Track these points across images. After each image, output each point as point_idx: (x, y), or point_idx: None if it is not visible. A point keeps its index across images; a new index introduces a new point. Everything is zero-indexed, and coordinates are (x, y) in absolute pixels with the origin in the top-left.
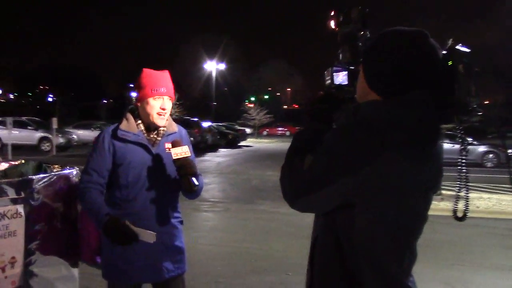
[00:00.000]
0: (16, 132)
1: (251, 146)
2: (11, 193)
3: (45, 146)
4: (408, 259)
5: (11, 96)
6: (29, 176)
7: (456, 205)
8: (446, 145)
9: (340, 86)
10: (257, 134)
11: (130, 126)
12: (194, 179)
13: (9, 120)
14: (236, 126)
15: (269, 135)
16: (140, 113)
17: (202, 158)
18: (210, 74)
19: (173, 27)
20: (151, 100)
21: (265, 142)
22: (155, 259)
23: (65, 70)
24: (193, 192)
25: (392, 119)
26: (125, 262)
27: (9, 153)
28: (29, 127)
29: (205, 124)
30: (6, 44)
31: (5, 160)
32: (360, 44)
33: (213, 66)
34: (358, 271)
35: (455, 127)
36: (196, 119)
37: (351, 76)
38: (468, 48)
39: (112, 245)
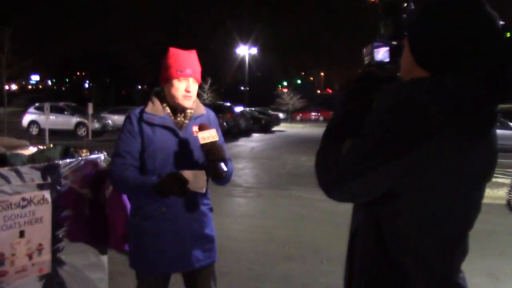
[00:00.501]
0: (53, 117)
1: (284, 131)
2: (37, 178)
3: (81, 131)
4: (459, 254)
5: (49, 83)
6: (56, 161)
7: (511, 195)
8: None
9: (381, 63)
10: (290, 119)
11: (156, 108)
12: (222, 164)
13: (46, 105)
14: (269, 111)
15: (302, 120)
16: (166, 95)
17: (235, 143)
18: (243, 59)
19: (206, 12)
20: (175, 82)
21: (298, 127)
22: (184, 248)
23: (101, 57)
24: (222, 179)
25: (445, 98)
26: (153, 251)
27: (47, 138)
28: (66, 113)
29: (238, 109)
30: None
31: (33, 144)
32: (405, 16)
33: (245, 51)
34: (403, 266)
35: None
36: (229, 104)
37: (394, 53)
38: None
39: (140, 234)
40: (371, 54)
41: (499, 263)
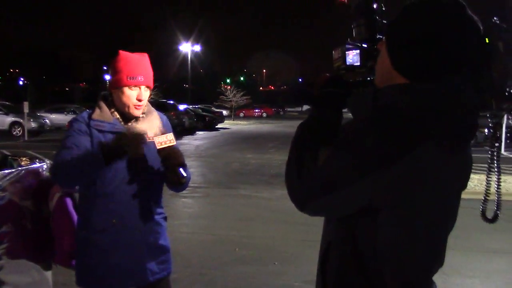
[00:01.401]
0: None
1: (228, 128)
2: None
3: (17, 131)
4: (436, 266)
5: None
6: None
7: (485, 205)
8: None
9: (351, 67)
10: (234, 116)
11: (104, 114)
12: (182, 170)
13: None
14: (213, 108)
15: (246, 117)
16: (115, 101)
17: (180, 141)
18: (185, 56)
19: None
20: (126, 90)
21: (242, 124)
22: (137, 261)
23: (37, 53)
24: (181, 185)
25: (428, 106)
26: (103, 267)
27: None
28: (0, 112)
29: (182, 107)
30: None
31: None
32: (377, 17)
33: (188, 48)
34: (382, 281)
35: (493, 114)
36: (172, 102)
37: (364, 56)
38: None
39: (89, 249)
40: (342, 56)
41: (447, 258)
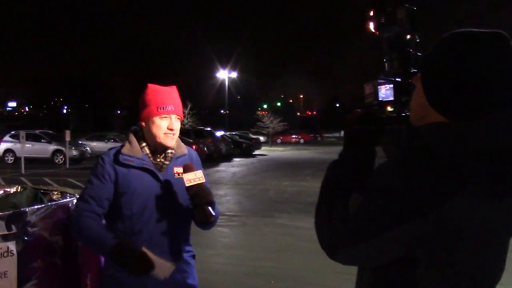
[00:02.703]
0: (29, 145)
1: (265, 155)
2: (1, 228)
3: (59, 159)
4: None
5: (27, 109)
6: (22, 208)
7: None
8: None
9: (384, 102)
10: (271, 142)
11: (134, 149)
12: (210, 208)
13: (22, 133)
14: (250, 135)
15: (283, 143)
16: (145, 134)
17: (216, 168)
18: (222, 83)
19: (186, 36)
20: (157, 120)
21: (279, 150)
22: None
23: (79, 81)
24: (209, 224)
25: (471, 149)
26: None
27: (22, 166)
28: (43, 140)
29: (219, 134)
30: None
31: (0, 187)
32: (411, 50)
33: (225, 75)
34: None
35: None
36: (209, 129)
37: (398, 90)
38: None
39: (115, 286)
40: (374, 91)
41: None
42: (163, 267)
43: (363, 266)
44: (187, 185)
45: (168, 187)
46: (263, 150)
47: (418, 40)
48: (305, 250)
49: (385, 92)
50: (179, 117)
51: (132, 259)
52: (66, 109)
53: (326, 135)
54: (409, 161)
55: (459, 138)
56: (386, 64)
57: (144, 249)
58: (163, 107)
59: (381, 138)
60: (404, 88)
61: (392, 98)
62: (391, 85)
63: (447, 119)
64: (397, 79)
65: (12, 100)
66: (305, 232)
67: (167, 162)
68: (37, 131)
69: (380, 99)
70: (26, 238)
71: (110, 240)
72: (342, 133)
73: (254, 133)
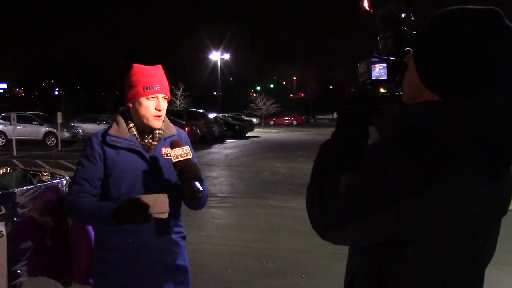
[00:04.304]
0: (20, 127)
1: (258, 137)
2: None
3: (51, 141)
4: None
5: (17, 91)
6: (11, 189)
7: None
8: None
9: (377, 81)
10: (264, 124)
11: (121, 130)
12: (198, 183)
13: (13, 115)
14: (243, 117)
15: (276, 125)
16: (132, 115)
17: (209, 150)
18: (215, 65)
19: (178, 17)
20: (144, 100)
21: (272, 132)
22: (155, 282)
23: (70, 64)
24: (197, 200)
25: (461, 128)
26: (120, 287)
27: (14, 148)
28: (34, 122)
29: (211, 115)
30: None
31: None
32: (405, 28)
33: (218, 56)
34: None
35: None
36: (202, 111)
37: (392, 69)
38: None
39: (105, 268)
40: (367, 70)
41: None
42: (157, 202)
43: (354, 246)
44: (174, 160)
45: (156, 168)
46: (256, 132)
47: (412, 18)
48: (297, 230)
49: (379, 71)
50: (166, 96)
51: (128, 210)
52: (57, 91)
53: (319, 117)
54: (401, 140)
55: (452, 117)
56: (380, 42)
57: (137, 196)
58: (150, 87)
59: (374, 118)
60: (398, 67)
61: (385, 77)
62: (385, 64)
63: (441, 97)
64: (390, 58)
65: (2, 82)
66: (297, 213)
67: (155, 143)
68: (28, 113)
69: (373, 78)
70: (15, 219)
71: (109, 205)
72: (335, 114)
73: (247, 115)
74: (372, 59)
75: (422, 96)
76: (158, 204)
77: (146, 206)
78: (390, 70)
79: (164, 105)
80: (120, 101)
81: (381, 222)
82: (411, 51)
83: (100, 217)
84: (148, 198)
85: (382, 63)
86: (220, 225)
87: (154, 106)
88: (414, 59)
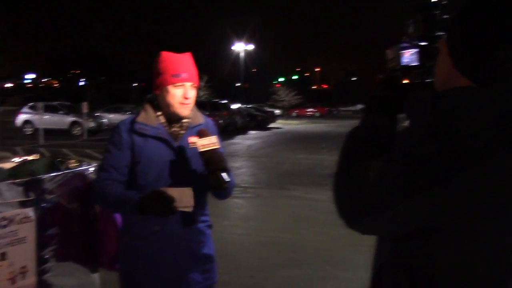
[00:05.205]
0: (47, 116)
1: (280, 128)
2: (19, 195)
3: (76, 131)
4: None
5: (44, 81)
6: (39, 176)
7: None
8: None
9: (408, 67)
10: (286, 115)
11: (149, 118)
12: (224, 174)
13: (40, 105)
14: (265, 108)
15: (298, 116)
16: (160, 103)
17: (231, 141)
18: (238, 55)
19: (201, 8)
20: (171, 88)
21: (294, 124)
22: (180, 270)
23: (95, 54)
24: (224, 190)
25: (498, 114)
26: (146, 276)
27: (41, 137)
28: (60, 112)
29: (234, 106)
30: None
31: (18, 155)
32: (438, 12)
33: (241, 47)
34: None
35: None
36: (224, 101)
37: (423, 55)
38: None
39: (131, 255)
40: (396, 56)
41: None
42: (183, 195)
43: (382, 236)
44: (200, 150)
45: (183, 157)
46: (278, 123)
47: (444, 2)
48: (320, 221)
49: (409, 57)
50: (195, 85)
51: (155, 202)
52: (83, 81)
53: (342, 108)
54: (432, 126)
55: (486, 103)
56: (409, 27)
57: (163, 189)
58: (177, 75)
59: (403, 105)
60: (429, 53)
61: (416, 63)
62: (415, 50)
63: (474, 83)
64: (421, 43)
65: (29, 73)
66: (320, 204)
67: (182, 132)
68: (55, 103)
69: (403, 64)
70: (43, 204)
71: (135, 196)
72: (358, 106)
73: (270, 106)
74: (401, 45)
75: (454, 82)
76: (184, 198)
77: (171, 200)
78: (421, 56)
79: (191, 93)
80: (144, 91)
81: (413, 210)
82: (444, 36)
83: (126, 206)
84: (174, 191)
85: (412, 48)
86: (243, 215)
87: (181, 94)
88: (448, 44)
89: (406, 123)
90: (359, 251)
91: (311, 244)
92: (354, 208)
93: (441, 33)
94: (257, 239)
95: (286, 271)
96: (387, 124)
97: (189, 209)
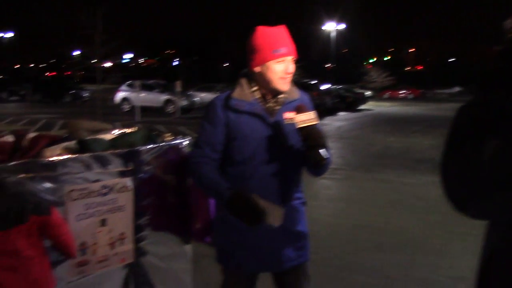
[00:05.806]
0: (143, 94)
1: (371, 110)
2: (119, 165)
3: (170, 108)
4: None
5: (141, 60)
6: (138, 147)
7: None
8: None
9: None
10: (377, 97)
11: (244, 94)
12: (323, 150)
13: (137, 83)
14: (356, 89)
15: (390, 98)
16: (258, 79)
17: (321, 122)
18: (329, 35)
19: None
20: (272, 64)
21: (386, 106)
22: (275, 247)
23: (189, 35)
24: (322, 167)
25: None
26: (241, 249)
27: (137, 114)
28: (156, 90)
29: (324, 87)
30: (136, 13)
31: (118, 127)
32: None
33: (332, 27)
34: None
35: None
36: (314, 82)
37: None
38: None
39: (226, 229)
40: None
41: None
42: (274, 212)
43: (496, 221)
44: (298, 126)
45: (279, 133)
46: (368, 105)
47: None
48: (412, 207)
49: None
50: (294, 58)
51: (244, 209)
52: (176, 61)
53: (438, 91)
54: None
55: None
56: None
57: (255, 197)
58: (278, 50)
59: None
60: None
61: None
62: None
63: None
64: None
65: (128, 52)
66: (412, 189)
67: (278, 107)
68: (151, 81)
69: None
70: (141, 175)
71: (225, 191)
72: (456, 89)
73: (360, 87)
74: None
75: None
76: (274, 215)
77: (262, 213)
78: None
79: (292, 68)
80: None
81: None
82: None
83: (215, 196)
84: (267, 205)
85: None
86: (332, 197)
87: (282, 69)
88: None
89: None
90: (453, 239)
91: (402, 230)
92: (466, 191)
93: None
94: (345, 221)
95: (373, 255)
96: (502, 98)
97: (275, 225)
